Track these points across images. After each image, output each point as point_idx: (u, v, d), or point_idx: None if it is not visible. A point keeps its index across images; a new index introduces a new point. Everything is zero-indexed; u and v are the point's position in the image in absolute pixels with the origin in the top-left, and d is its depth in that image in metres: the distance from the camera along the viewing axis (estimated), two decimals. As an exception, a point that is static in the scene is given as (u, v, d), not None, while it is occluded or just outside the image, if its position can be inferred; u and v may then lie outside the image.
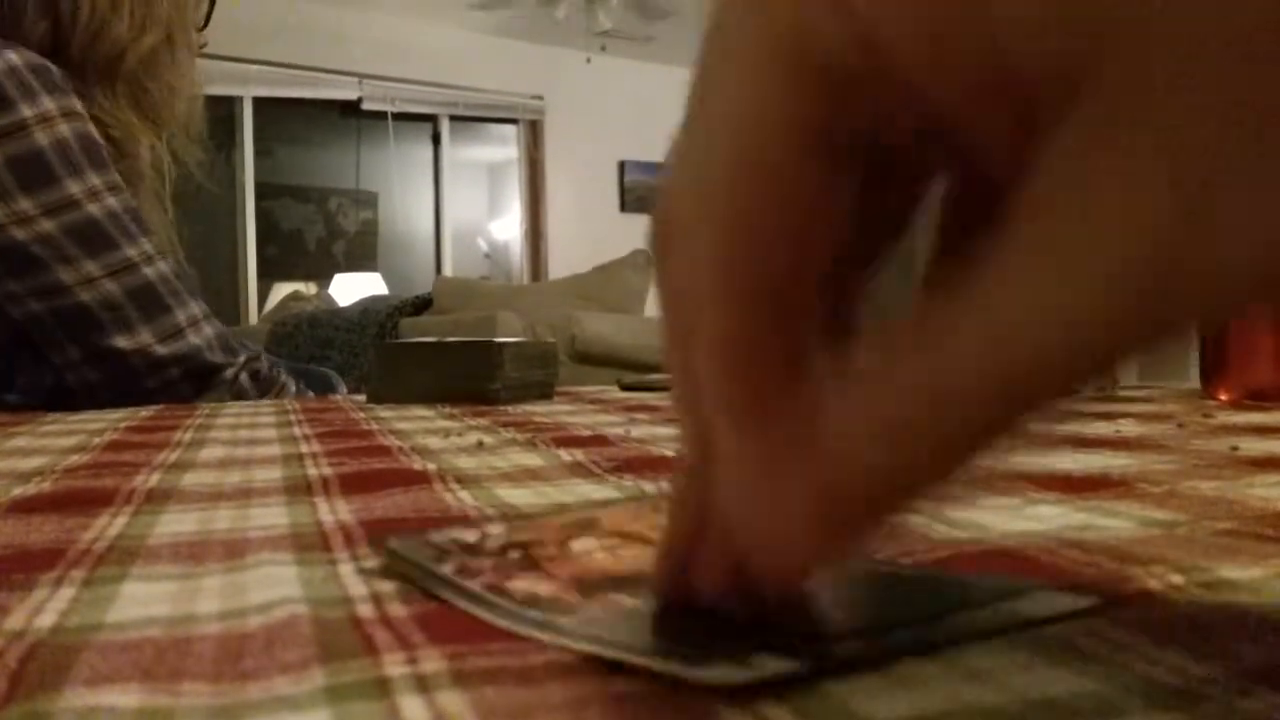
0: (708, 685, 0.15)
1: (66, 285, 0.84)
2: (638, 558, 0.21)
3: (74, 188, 0.84)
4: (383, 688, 0.15)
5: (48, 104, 0.84)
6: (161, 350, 0.86)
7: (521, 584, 0.20)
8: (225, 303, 5.00)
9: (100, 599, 0.20)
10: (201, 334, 0.89)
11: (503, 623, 0.17)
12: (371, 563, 0.22)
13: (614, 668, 0.15)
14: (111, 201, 0.86)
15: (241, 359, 0.92)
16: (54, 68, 0.87)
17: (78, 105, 0.87)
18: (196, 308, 0.90)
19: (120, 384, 0.84)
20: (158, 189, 1.00)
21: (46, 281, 0.84)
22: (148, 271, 0.87)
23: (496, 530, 0.23)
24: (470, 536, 0.23)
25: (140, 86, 0.95)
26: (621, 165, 5.84)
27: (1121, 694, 0.14)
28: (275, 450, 0.44)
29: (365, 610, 0.19)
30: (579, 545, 0.22)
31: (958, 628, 0.17)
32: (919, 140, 0.14)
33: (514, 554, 0.21)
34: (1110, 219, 0.11)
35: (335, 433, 0.51)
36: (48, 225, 0.83)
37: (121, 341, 0.85)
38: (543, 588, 0.19)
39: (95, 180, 0.86)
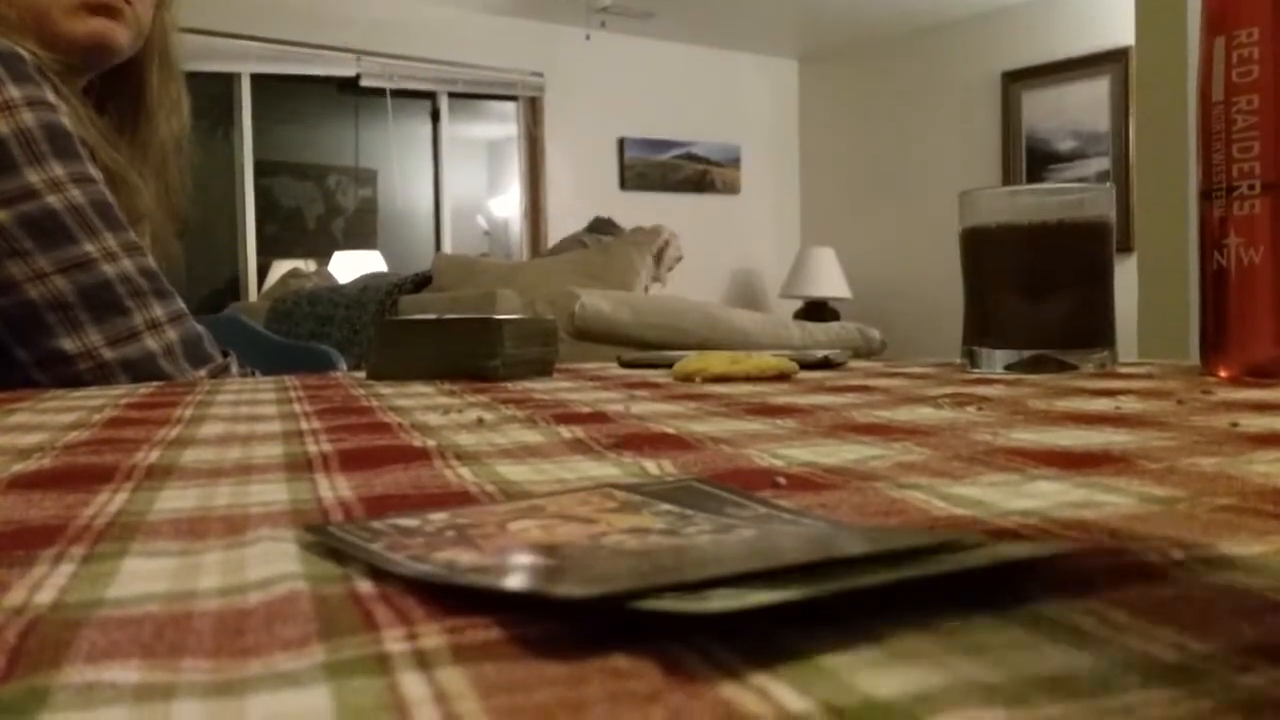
0: (703, 616, 0.15)
1: (15, 281, 0.81)
2: (571, 532, 0.21)
3: (33, 177, 0.81)
4: (383, 664, 0.15)
5: (13, 92, 0.82)
6: (109, 354, 0.83)
7: (446, 554, 0.20)
8: (225, 280, 4.99)
9: (100, 575, 0.20)
10: (161, 338, 0.85)
11: (493, 584, 0.17)
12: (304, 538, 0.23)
13: (606, 634, 0.15)
14: (75, 193, 0.83)
15: (203, 372, 0.88)
16: (27, 56, 0.85)
17: (49, 96, 0.85)
18: (161, 309, 0.86)
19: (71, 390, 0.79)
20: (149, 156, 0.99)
21: None
22: (106, 269, 0.83)
23: (439, 516, 0.23)
24: (411, 522, 0.22)
25: None
26: (621, 142, 5.82)
27: (1120, 671, 0.14)
28: (275, 427, 0.44)
29: (365, 586, 0.19)
30: (516, 525, 0.22)
31: (927, 568, 0.17)
32: None
33: (449, 533, 0.21)
34: None
35: (335, 409, 0.51)
36: (1, 215, 0.80)
37: (67, 344, 0.82)
38: (465, 557, 0.19)
39: (58, 170, 0.82)
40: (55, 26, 0.91)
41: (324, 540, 0.22)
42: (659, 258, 4.27)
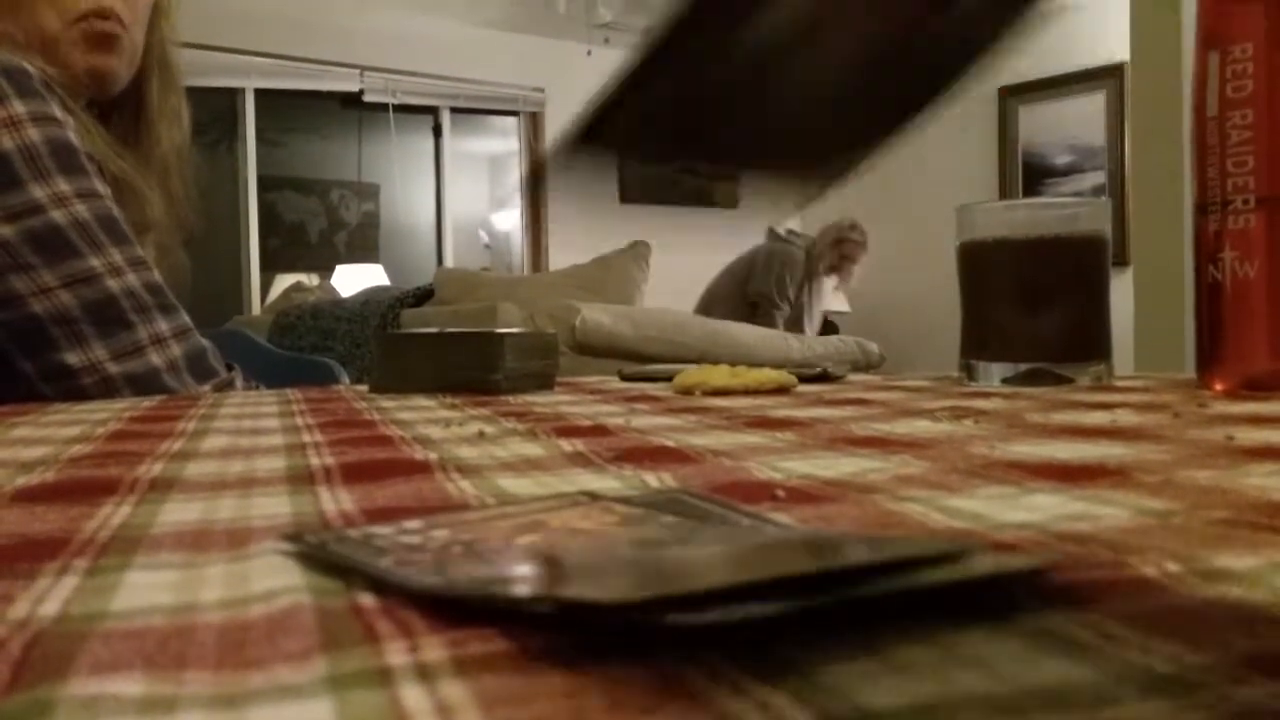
0: (693, 628, 0.15)
1: (20, 295, 0.81)
2: (583, 545, 0.21)
3: (38, 192, 0.81)
4: (384, 676, 0.15)
5: (18, 107, 0.82)
6: (114, 369, 0.83)
7: (464, 569, 0.20)
8: (228, 294, 5.00)
9: (104, 588, 0.20)
10: (166, 353, 0.85)
11: (473, 593, 0.17)
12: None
13: (606, 647, 0.15)
14: (80, 208, 0.83)
15: (208, 386, 0.88)
16: (33, 71, 0.85)
17: (56, 111, 0.85)
18: (166, 324, 0.86)
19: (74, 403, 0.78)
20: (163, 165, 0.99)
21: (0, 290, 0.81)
22: (111, 284, 0.83)
23: (440, 534, 0.23)
24: (414, 539, 0.22)
25: None
26: (622, 157, 5.83)
27: (1116, 682, 0.14)
28: (278, 440, 0.44)
29: (367, 599, 0.19)
30: (524, 540, 0.22)
31: (916, 581, 0.17)
32: None
33: (456, 549, 0.21)
34: None
35: (337, 422, 0.51)
36: (6, 230, 0.80)
37: (72, 358, 0.82)
38: (482, 570, 0.19)
39: (63, 186, 0.83)
40: (57, 56, 0.92)
41: (320, 554, 0.22)
42: (835, 247, 4.64)
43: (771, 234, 4.99)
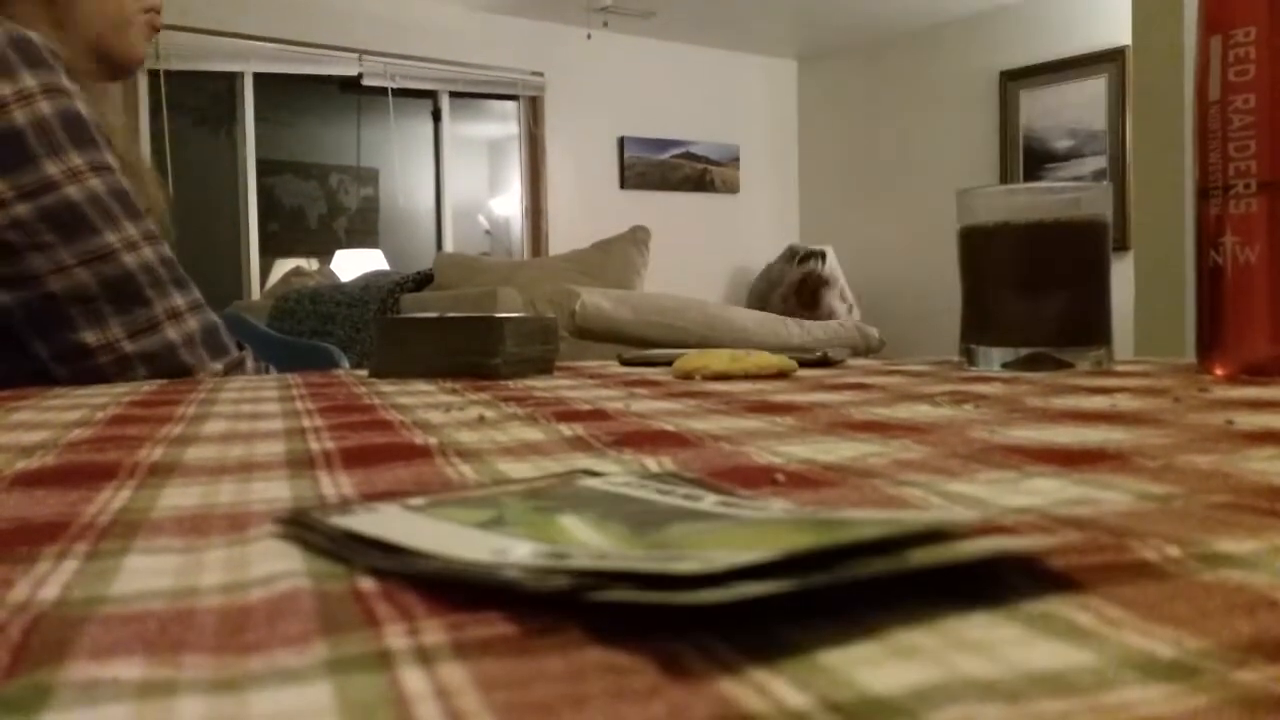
0: (693, 606, 0.15)
1: (37, 273, 0.80)
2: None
3: (52, 169, 0.81)
4: (384, 660, 0.15)
5: (28, 80, 0.81)
6: (130, 347, 0.82)
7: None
8: (227, 279, 4.99)
9: (103, 572, 0.20)
10: (182, 328, 0.85)
11: (475, 570, 0.17)
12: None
13: (606, 630, 0.15)
14: (94, 183, 0.82)
15: (220, 365, 0.87)
16: (39, 41, 0.84)
17: (63, 81, 0.84)
18: (181, 298, 0.86)
19: (88, 383, 0.77)
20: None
21: (18, 269, 0.80)
22: (128, 259, 0.83)
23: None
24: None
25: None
26: (621, 142, 5.82)
27: (1117, 667, 0.14)
28: (278, 424, 0.44)
29: (367, 583, 0.19)
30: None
31: (911, 561, 0.17)
32: None
33: None
34: None
35: (337, 407, 0.51)
36: (22, 209, 0.80)
37: (89, 337, 0.81)
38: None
39: (77, 160, 0.82)
40: (119, 45, 0.95)
41: (314, 537, 0.22)
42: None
43: (795, 256, 5.18)
